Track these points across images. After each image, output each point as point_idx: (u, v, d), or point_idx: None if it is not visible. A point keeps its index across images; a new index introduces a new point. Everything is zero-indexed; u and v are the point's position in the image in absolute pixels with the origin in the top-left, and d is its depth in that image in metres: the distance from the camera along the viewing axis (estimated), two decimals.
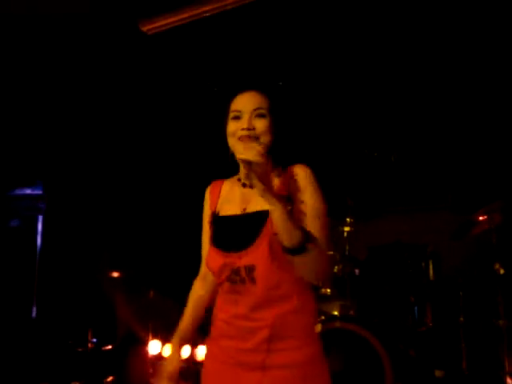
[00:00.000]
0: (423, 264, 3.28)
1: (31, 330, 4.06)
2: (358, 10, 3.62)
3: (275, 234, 1.31)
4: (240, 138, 1.47)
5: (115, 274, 4.49)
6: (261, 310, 1.41)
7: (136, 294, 4.64)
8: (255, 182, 1.24)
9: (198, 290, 1.67)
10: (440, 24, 3.74)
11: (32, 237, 4.21)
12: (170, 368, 1.60)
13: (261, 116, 1.49)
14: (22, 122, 4.39)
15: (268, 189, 1.26)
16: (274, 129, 1.51)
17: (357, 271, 3.18)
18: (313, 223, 1.37)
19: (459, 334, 3.30)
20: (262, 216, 1.42)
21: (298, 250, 1.25)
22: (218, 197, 1.61)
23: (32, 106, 4.31)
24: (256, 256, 1.41)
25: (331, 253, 3.01)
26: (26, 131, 4.46)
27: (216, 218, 1.57)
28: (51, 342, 4.15)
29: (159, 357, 4.55)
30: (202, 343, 4.43)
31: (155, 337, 4.66)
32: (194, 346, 4.49)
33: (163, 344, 4.65)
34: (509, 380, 2.96)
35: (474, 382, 3.20)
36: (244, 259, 1.42)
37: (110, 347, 4.40)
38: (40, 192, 4.36)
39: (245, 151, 1.24)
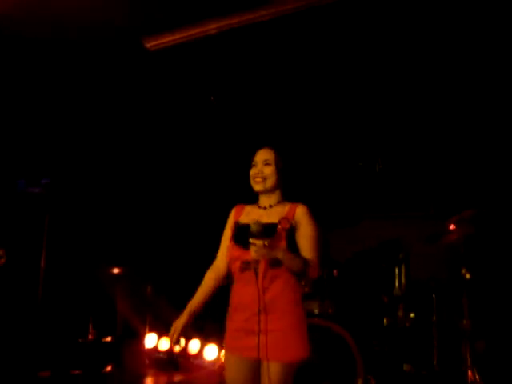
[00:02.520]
0: (396, 268, 3.59)
1: (36, 320, 4.25)
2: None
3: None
4: (253, 179, 2.20)
5: (116, 271, 4.77)
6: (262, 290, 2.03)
7: (134, 289, 4.92)
8: (269, 254, 1.95)
9: (208, 280, 2.23)
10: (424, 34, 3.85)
11: (39, 234, 4.37)
12: (178, 322, 2.13)
13: (267, 164, 2.21)
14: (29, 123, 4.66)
15: (276, 252, 1.95)
16: (280, 173, 2.22)
17: (335, 273, 3.48)
18: (308, 246, 2.08)
19: (431, 332, 3.60)
20: (269, 227, 2.03)
21: (300, 273, 2.02)
22: (241, 213, 2.28)
23: (42, 108, 4.53)
24: None
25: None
26: (33, 132, 4.72)
27: (238, 225, 2.21)
28: (54, 331, 4.29)
29: (155, 349, 4.85)
30: (195, 338, 4.74)
31: (152, 330, 4.95)
32: (187, 339, 4.78)
33: (159, 337, 4.93)
34: (470, 373, 3.25)
35: (441, 377, 3.49)
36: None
37: (109, 339, 4.64)
38: (46, 190, 4.53)
39: (256, 254, 1.94)
